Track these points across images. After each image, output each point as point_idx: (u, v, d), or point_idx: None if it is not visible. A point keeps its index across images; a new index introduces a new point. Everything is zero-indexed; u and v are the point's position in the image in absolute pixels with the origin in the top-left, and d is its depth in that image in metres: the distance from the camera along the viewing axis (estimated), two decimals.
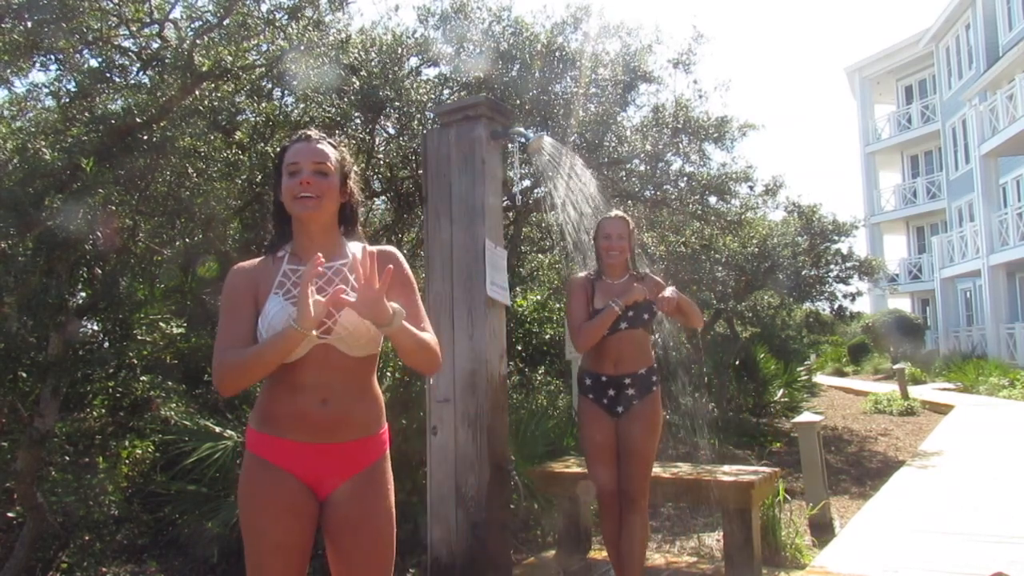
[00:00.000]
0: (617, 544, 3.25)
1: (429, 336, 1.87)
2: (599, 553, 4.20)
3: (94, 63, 5.00)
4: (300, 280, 1.75)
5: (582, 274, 3.37)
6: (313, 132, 1.90)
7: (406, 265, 1.97)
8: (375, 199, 7.48)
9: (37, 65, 4.71)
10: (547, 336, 7.74)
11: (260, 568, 1.81)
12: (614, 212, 3.40)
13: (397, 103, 5.44)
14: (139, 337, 4.52)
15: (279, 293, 1.81)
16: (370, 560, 1.85)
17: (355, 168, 2.00)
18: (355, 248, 1.95)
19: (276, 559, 1.80)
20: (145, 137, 4.23)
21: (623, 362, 3.20)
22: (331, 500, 1.84)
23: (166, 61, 4.62)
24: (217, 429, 4.64)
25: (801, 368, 11.54)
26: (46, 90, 5.17)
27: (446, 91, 5.90)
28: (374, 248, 1.98)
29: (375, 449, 1.90)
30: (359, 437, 1.87)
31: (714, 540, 4.78)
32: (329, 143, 1.91)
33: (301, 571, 1.85)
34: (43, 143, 3.89)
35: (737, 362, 9.63)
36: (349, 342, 1.81)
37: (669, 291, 3.13)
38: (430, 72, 6.25)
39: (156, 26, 5.29)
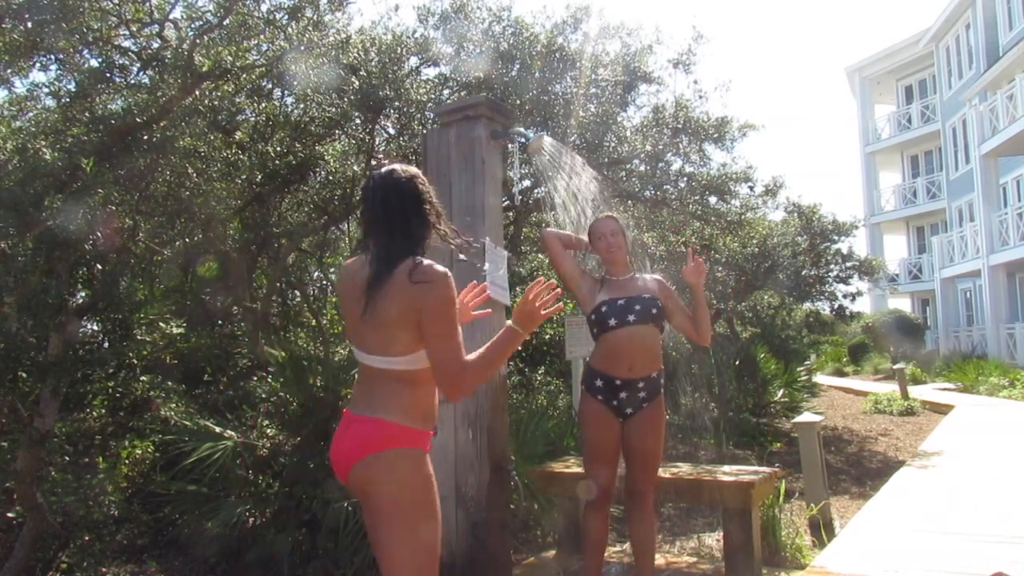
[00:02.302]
0: (599, 544, 3.31)
1: None
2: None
3: (94, 63, 5.00)
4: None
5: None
6: None
7: None
8: None
9: (37, 65, 4.71)
10: (547, 336, 7.74)
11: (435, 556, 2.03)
12: (603, 213, 3.44)
13: (397, 103, 5.44)
14: (139, 337, 4.52)
15: None
16: None
17: None
18: None
19: None
20: (145, 137, 4.24)
21: (637, 366, 3.18)
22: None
23: (166, 61, 4.63)
24: (217, 429, 4.64)
25: (801, 368, 11.52)
26: (46, 90, 5.17)
27: (446, 91, 5.90)
28: None
29: None
30: None
31: (714, 540, 4.78)
32: None
33: None
34: (43, 143, 3.89)
35: (737, 362, 9.63)
36: None
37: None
38: (430, 72, 6.26)
39: (156, 26, 5.29)
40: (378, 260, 1.99)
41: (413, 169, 2.13)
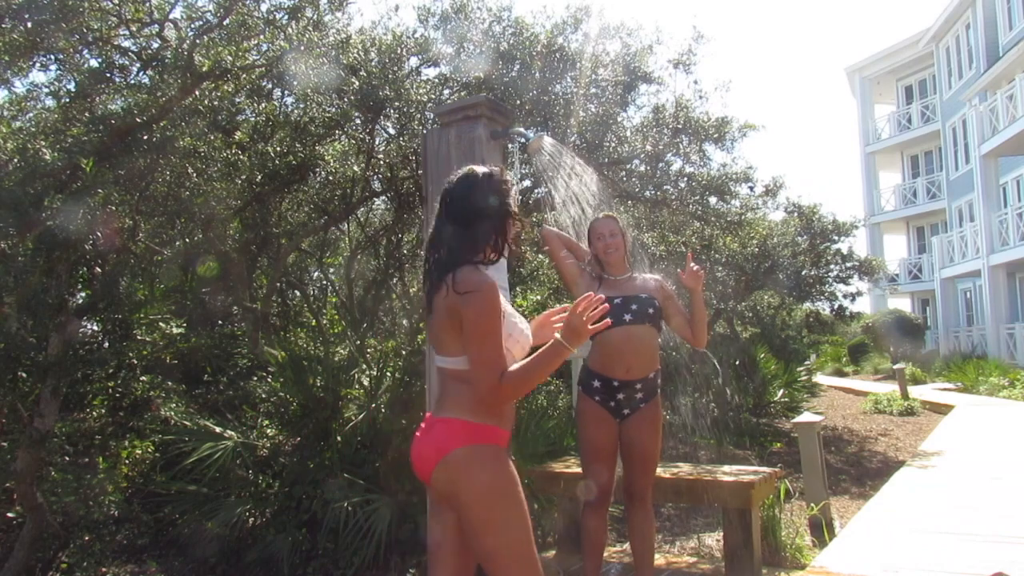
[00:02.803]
0: (599, 544, 3.31)
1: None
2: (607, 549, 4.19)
3: (94, 63, 5.01)
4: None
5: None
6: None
7: None
8: (375, 199, 7.49)
9: (37, 65, 4.71)
10: None
11: (531, 543, 2.12)
12: (602, 213, 3.42)
13: (397, 103, 5.44)
14: (139, 337, 4.52)
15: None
16: None
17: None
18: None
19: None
20: (145, 137, 4.23)
21: (635, 367, 3.17)
22: None
23: (166, 61, 4.62)
24: (217, 429, 4.64)
25: (801, 368, 11.52)
26: (46, 90, 5.17)
27: (446, 91, 5.90)
28: None
29: None
30: None
31: (714, 540, 4.78)
32: None
33: None
34: (43, 143, 3.89)
35: (737, 362, 9.62)
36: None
37: (695, 266, 3.21)
38: (430, 72, 6.26)
39: (156, 26, 5.29)
40: (437, 264, 2.03)
41: (488, 169, 2.10)
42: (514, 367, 1.99)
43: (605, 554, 3.71)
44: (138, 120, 4.18)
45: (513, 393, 2.00)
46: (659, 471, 3.94)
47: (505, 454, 2.08)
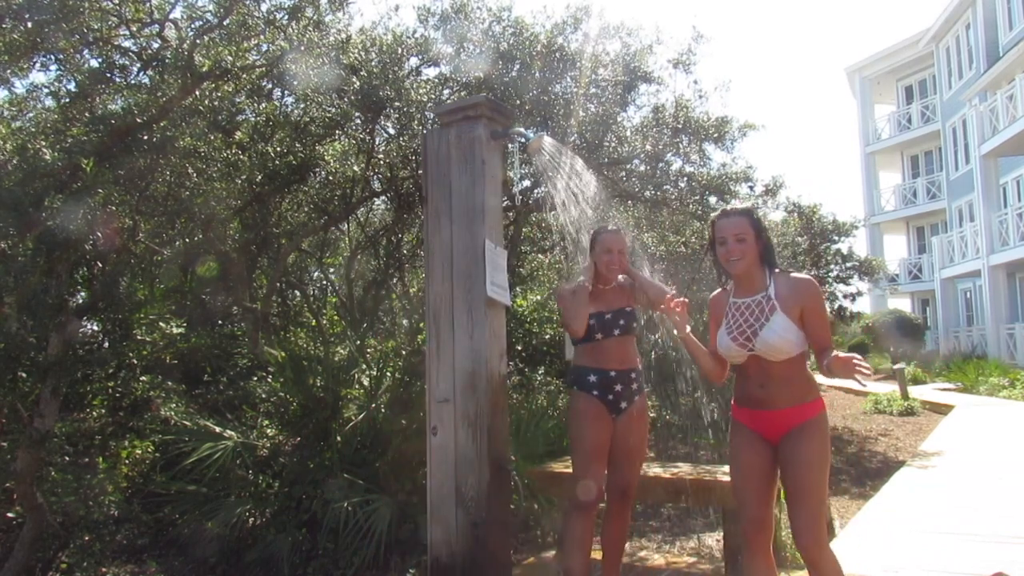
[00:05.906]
0: (588, 544, 3.30)
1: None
2: (598, 553, 4.19)
3: (94, 63, 5.01)
4: (736, 313, 2.69)
5: (568, 286, 3.47)
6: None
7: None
8: (375, 199, 7.49)
9: (37, 65, 4.71)
10: (547, 336, 7.74)
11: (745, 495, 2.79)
12: (611, 225, 3.48)
13: (397, 103, 5.43)
14: (139, 337, 4.52)
15: (724, 323, 2.73)
16: (800, 485, 2.61)
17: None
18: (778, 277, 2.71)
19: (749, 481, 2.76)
20: (145, 137, 4.24)
21: (626, 359, 3.32)
22: (781, 444, 2.68)
23: (166, 61, 4.63)
24: (217, 429, 4.64)
25: None
26: (46, 90, 5.18)
27: (446, 91, 5.90)
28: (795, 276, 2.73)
29: (806, 412, 2.65)
30: (789, 406, 2.64)
31: (714, 540, 4.78)
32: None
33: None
34: (43, 143, 3.89)
35: None
36: (769, 355, 2.62)
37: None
38: (430, 72, 6.26)
39: (156, 26, 5.30)
40: None
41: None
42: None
43: (600, 555, 3.71)
44: (138, 120, 4.18)
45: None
46: (659, 471, 3.96)
47: (736, 424, 2.76)
